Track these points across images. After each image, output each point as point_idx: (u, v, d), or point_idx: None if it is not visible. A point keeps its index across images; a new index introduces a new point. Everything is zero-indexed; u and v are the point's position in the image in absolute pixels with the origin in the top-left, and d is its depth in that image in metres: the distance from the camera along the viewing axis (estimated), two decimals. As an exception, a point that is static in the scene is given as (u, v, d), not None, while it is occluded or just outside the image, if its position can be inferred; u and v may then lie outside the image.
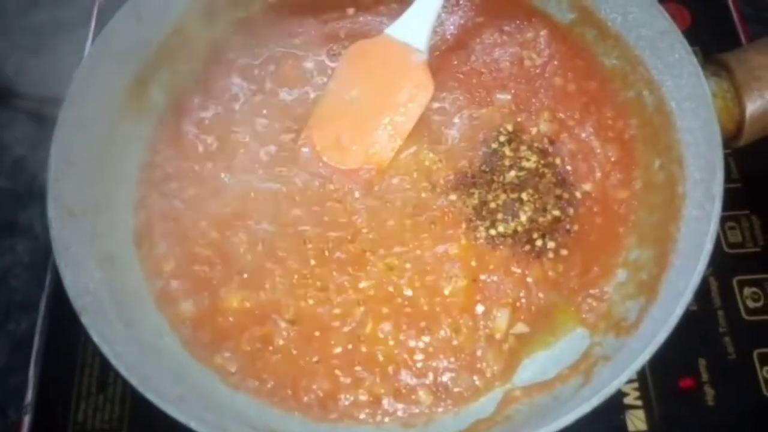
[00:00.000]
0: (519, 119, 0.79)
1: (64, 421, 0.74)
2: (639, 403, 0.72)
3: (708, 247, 0.62)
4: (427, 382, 0.68)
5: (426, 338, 0.70)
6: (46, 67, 1.00)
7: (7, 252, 0.90)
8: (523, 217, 0.74)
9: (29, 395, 0.75)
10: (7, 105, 1.00)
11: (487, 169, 0.77)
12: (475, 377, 0.68)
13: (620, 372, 0.58)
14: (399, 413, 0.68)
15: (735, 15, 0.91)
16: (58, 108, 0.72)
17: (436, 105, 0.80)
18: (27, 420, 0.74)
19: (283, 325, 0.71)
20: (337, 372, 0.69)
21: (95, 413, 0.74)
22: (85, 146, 0.73)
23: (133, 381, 0.59)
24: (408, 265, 0.73)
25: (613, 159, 0.76)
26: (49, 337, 0.78)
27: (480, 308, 0.71)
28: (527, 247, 0.73)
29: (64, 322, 0.76)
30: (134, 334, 0.66)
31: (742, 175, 0.81)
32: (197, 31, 0.83)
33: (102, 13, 0.96)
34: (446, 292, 0.71)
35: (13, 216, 0.93)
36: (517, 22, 0.83)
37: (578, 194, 0.76)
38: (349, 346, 0.70)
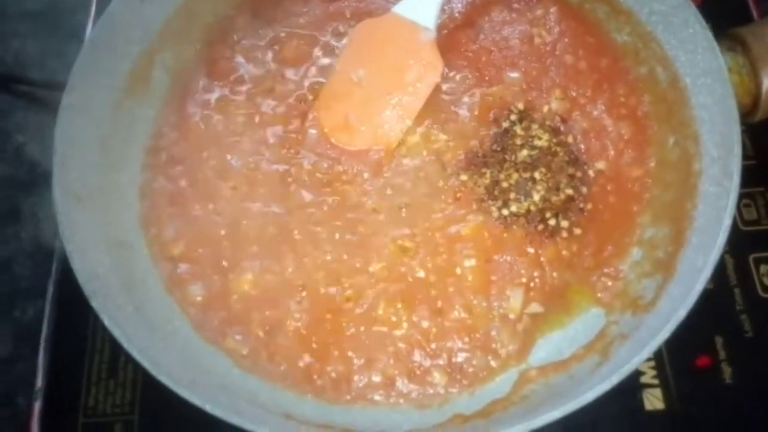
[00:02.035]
0: (530, 98, 0.78)
1: (74, 406, 0.73)
2: (656, 382, 0.72)
3: (727, 222, 0.61)
4: (442, 362, 0.68)
5: (439, 319, 0.69)
6: (47, 52, 0.98)
7: (12, 240, 0.90)
8: (536, 197, 0.73)
9: (39, 382, 0.75)
10: (7, 91, 0.99)
11: (499, 149, 0.76)
12: (489, 357, 0.68)
13: (640, 349, 0.58)
14: (413, 394, 0.67)
15: (747, -9, 0.90)
16: (60, 93, 0.71)
17: (445, 84, 0.79)
18: (37, 406, 0.74)
19: (294, 307, 0.70)
20: (350, 354, 0.68)
21: (106, 398, 0.74)
22: (90, 130, 0.72)
23: (146, 364, 0.59)
24: (420, 247, 0.72)
25: (626, 137, 0.75)
26: (57, 324, 0.78)
27: (493, 288, 0.70)
28: (540, 227, 0.72)
29: (72, 308, 0.75)
30: (145, 317, 0.66)
31: (756, 152, 0.81)
32: (201, 12, 0.82)
33: (103, -5, 0.94)
34: (459, 272, 0.71)
35: (17, 204, 0.92)
36: (527, -2, 0.82)
37: (591, 173, 0.75)
38: (362, 328, 0.69)
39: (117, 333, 0.60)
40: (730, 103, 0.66)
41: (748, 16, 0.89)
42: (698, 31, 0.70)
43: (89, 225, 0.68)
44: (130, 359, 0.59)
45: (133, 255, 0.71)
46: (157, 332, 0.66)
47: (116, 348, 0.61)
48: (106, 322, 0.61)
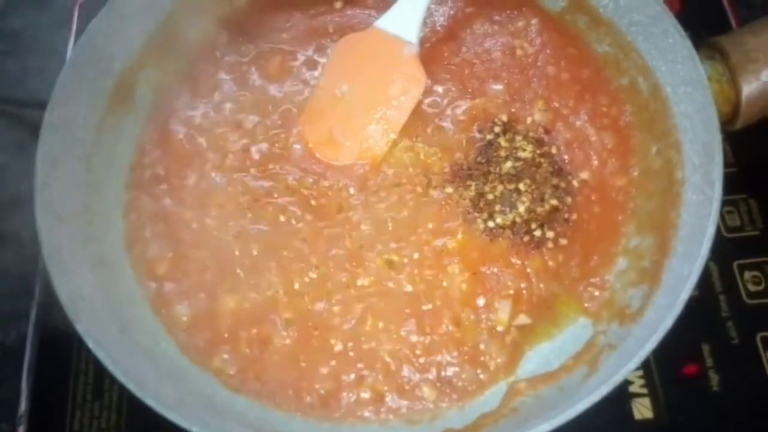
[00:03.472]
0: (513, 109, 0.78)
1: (59, 430, 0.72)
2: (644, 391, 0.72)
3: (710, 230, 0.62)
4: (431, 377, 0.68)
5: (428, 333, 0.69)
6: (27, 71, 0.98)
7: (-7, 261, 0.88)
8: (521, 208, 0.73)
9: (22, 406, 0.74)
10: (-13, 111, 0.98)
11: (483, 161, 0.76)
12: (478, 371, 0.68)
13: (628, 359, 0.57)
14: (403, 410, 0.67)
15: (725, 0, 0.91)
16: (41, 112, 0.70)
17: (428, 97, 0.79)
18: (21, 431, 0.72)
19: (281, 324, 0.69)
20: (338, 370, 0.68)
21: (91, 422, 0.73)
22: (72, 149, 0.72)
23: (132, 387, 0.58)
24: (407, 260, 0.72)
25: (609, 146, 0.76)
26: (40, 346, 0.76)
27: (481, 301, 0.70)
28: (526, 238, 0.72)
29: (56, 330, 0.74)
30: (130, 339, 0.65)
31: (738, 159, 0.81)
32: (183, 29, 0.81)
33: (83, 13, 0.94)
34: (446, 285, 0.71)
35: (-2, 224, 0.90)
36: (508, 11, 0.82)
37: (575, 183, 0.75)
38: (350, 344, 0.69)
39: (101, 355, 0.59)
40: (711, 111, 0.66)
41: (727, 24, 0.89)
42: (678, 40, 0.70)
43: (72, 245, 0.67)
44: (115, 381, 0.59)
45: (117, 275, 0.70)
46: (143, 353, 0.65)
47: (101, 370, 0.60)
48: (91, 344, 0.60)
